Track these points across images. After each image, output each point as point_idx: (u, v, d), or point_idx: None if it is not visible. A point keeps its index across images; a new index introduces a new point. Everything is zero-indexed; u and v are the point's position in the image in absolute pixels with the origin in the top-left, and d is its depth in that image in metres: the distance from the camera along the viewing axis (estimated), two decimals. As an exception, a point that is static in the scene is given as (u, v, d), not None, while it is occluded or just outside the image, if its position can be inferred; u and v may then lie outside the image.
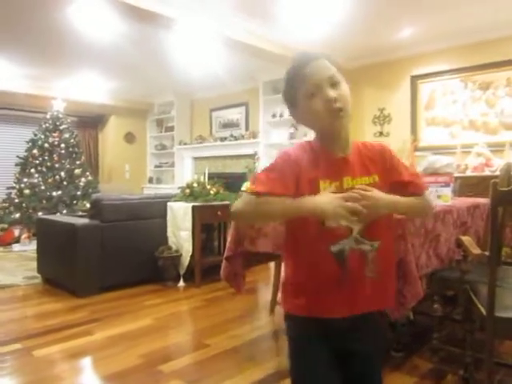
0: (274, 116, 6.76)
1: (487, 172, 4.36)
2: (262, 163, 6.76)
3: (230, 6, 4.03)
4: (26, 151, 6.67)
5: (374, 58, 5.53)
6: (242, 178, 6.40)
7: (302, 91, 1.12)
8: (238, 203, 1.10)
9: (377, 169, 1.17)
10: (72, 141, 6.98)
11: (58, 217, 4.48)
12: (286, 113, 6.56)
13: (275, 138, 6.81)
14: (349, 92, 1.13)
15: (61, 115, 6.99)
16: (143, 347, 2.57)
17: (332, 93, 1.09)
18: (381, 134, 5.62)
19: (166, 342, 2.70)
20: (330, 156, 1.14)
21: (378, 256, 1.12)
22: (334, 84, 1.11)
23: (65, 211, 6.26)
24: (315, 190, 1.09)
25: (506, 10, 4.14)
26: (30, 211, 6.24)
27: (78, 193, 6.75)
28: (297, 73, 1.14)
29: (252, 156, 6.85)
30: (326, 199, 1.05)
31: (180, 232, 4.00)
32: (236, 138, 7.30)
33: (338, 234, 1.08)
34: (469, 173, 4.47)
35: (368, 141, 1.24)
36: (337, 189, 1.10)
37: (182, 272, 3.99)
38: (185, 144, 8.21)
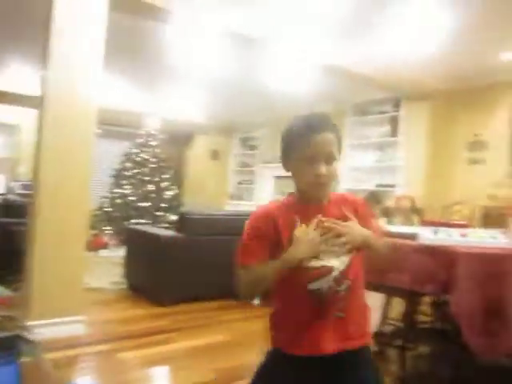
0: (360, 138, 6.64)
1: None
2: (344, 185, 6.65)
3: (324, 28, 4.03)
4: (120, 164, 7.17)
5: (474, 81, 5.25)
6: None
7: (299, 153, 1.19)
8: (238, 284, 1.20)
9: (351, 214, 1.22)
10: (162, 156, 7.38)
11: (146, 227, 4.72)
12: (373, 135, 6.45)
13: (360, 160, 6.67)
14: (337, 169, 1.20)
15: (154, 132, 7.43)
16: (217, 362, 2.60)
17: (323, 169, 1.15)
18: (475, 161, 5.29)
19: (239, 360, 2.70)
20: (303, 204, 1.22)
21: (351, 295, 1.18)
22: (328, 160, 1.16)
23: (150, 222, 6.58)
24: (291, 237, 1.16)
25: None
26: (119, 220, 6.64)
27: (164, 205, 7.08)
28: (302, 135, 1.18)
29: (334, 178, 6.77)
30: (299, 246, 1.13)
31: (259, 250, 4.02)
32: (319, 159, 7.25)
33: (318, 273, 1.15)
34: None
35: (348, 193, 1.33)
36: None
37: (258, 290, 4.00)
38: (267, 163, 8.33)
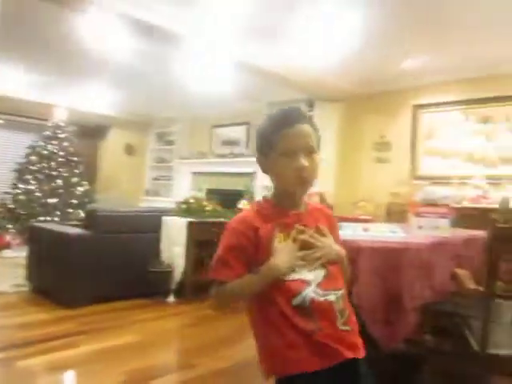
0: (274, 136, 6.77)
1: (484, 204, 4.37)
2: (259, 182, 6.75)
3: (240, 28, 4.07)
4: (24, 157, 6.66)
5: (379, 86, 5.58)
6: (239, 195, 6.39)
7: (277, 148, 1.14)
8: (213, 298, 1.16)
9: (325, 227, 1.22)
10: (71, 149, 6.97)
11: (51, 225, 4.44)
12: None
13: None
14: (319, 163, 1.16)
15: (62, 124, 7.00)
16: (128, 364, 2.52)
17: (304, 162, 1.11)
18: (380, 160, 5.64)
19: (151, 360, 2.64)
20: (282, 211, 1.17)
21: (346, 306, 1.15)
22: (309, 153, 1.14)
23: (59, 219, 6.22)
24: (271, 249, 1.12)
25: (507, 46, 4.21)
26: (24, 217, 6.19)
27: (74, 201, 6.72)
28: (277, 129, 1.15)
29: (251, 174, 6.85)
30: (277, 260, 1.10)
31: (174, 247, 3.97)
32: (236, 156, 7.32)
33: (296, 287, 1.10)
34: (465, 204, 4.47)
35: (317, 203, 1.33)
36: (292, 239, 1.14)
37: (173, 287, 3.94)
38: (184, 158, 8.23)
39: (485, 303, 1.54)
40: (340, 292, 1.14)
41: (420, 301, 2.04)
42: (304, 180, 1.13)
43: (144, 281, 3.87)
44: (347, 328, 1.12)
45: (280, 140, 1.13)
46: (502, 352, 1.51)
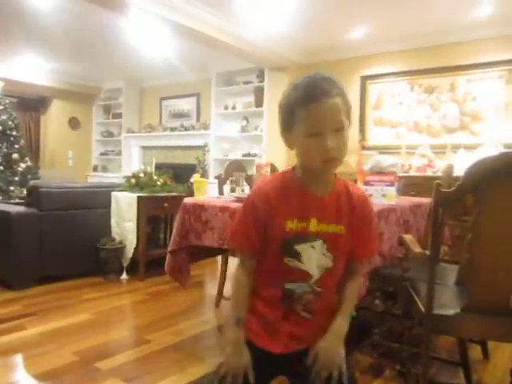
0: (225, 108, 6.69)
1: (429, 172, 4.53)
2: (212, 155, 6.70)
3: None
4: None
5: (327, 56, 5.59)
6: (191, 169, 6.31)
7: (301, 124, 1.04)
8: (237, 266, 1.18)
9: (349, 220, 1.13)
10: (10, 123, 6.56)
11: (-9, 204, 4.20)
12: (238, 105, 6.52)
13: (226, 130, 6.75)
14: (348, 139, 1.06)
15: (-2, 95, 6.57)
16: (80, 343, 2.46)
17: (331, 142, 1.01)
18: (330, 131, 5.69)
19: (104, 338, 2.59)
20: (304, 193, 1.11)
21: (321, 302, 1.15)
22: (337, 130, 1.03)
23: (0, 198, 5.90)
24: (281, 229, 1.09)
25: (451, 16, 4.30)
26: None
27: (16, 179, 6.38)
28: (303, 102, 1.03)
29: (202, 147, 6.76)
30: (232, 352, 1.11)
31: (124, 223, 3.87)
32: (186, 129, 7.17)
33: (297, 275, 1.12)
34: (412, 173, 4.62)
35: (354, 185, 1.20)
36: (302, 229, 1.09)
37: (125, 264, 3.87)
38: (133, 132, 7.97)
39: (430, 266, 1.59)
40: (321, 290, 1.14)
41: (370, 266, 2.10)
42: (331, 161, 1.04)
43: (95, 259, 3.77)
44: (308, 316, 1.15)
45: (304, 117, 1.02)
46: (447, 312, 1.58)
